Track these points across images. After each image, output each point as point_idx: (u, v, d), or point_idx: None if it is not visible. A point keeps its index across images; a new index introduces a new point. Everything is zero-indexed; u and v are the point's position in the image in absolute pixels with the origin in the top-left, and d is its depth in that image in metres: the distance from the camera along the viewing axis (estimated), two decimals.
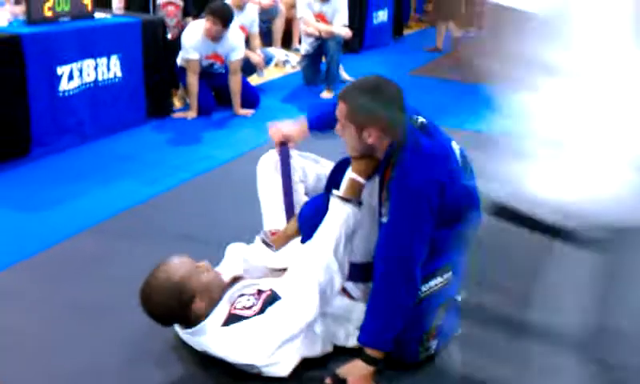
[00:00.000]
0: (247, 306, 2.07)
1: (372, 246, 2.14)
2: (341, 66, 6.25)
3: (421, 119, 2.13)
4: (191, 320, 2.10)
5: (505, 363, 2.24)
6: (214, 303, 2.11)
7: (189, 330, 2.12)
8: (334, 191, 2.17)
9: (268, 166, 2.59)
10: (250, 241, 2.53)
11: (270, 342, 2.03)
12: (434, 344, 2.19)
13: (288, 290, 2.08)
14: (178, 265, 2.12)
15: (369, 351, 2.04)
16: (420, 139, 2.05)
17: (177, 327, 2.20)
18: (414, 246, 2.00)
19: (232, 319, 2.06)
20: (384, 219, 2.04)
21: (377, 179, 2.14)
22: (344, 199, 2.12)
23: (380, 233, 2.06)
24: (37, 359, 2.17)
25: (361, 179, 2.13)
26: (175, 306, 2.06)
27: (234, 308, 2.08)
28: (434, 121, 2.19)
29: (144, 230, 3.06)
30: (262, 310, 2.04)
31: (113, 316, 2.38)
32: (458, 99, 6.13)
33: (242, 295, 2.12)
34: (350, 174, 2.15)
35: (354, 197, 2.13)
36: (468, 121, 5.38)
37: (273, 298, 2.07)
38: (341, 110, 2.07)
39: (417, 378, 2.14)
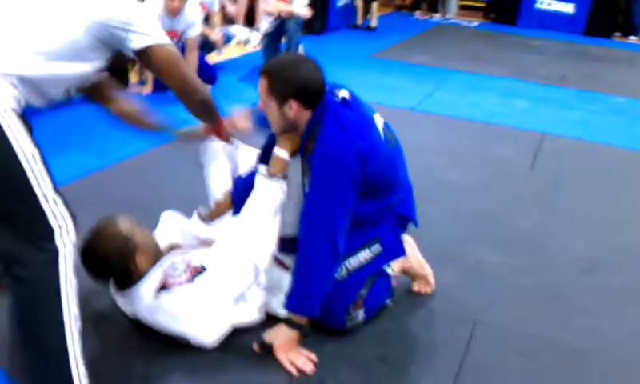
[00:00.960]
0: (176, 275, 2.11)
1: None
2: (301, 47, 6.26)
3: (342, 93, 2.15)
4: (130, 276, 2.12)
5: (430, 332, 2.33)
6: (150, 265, 2.14)
7: (123, 292, 2.15)
8: (260, 167, 2.21)
9: (213, 151, 2.61)
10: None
11: (198, 311, 2.06)
12: (360, 314, 2.24)
13: (217, 261, 2.12)
14: (122, 220, 2.17)
15: (293, 317, 2.09)
16: (339, 111, 2.08)
17: (112, 291, 2.22)
18: (335, 214, 2.04)
19: (163, 288, 2.09)
20: (306, 189, 2.10)
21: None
22: (269, 175, 2.16)
23: (302, 203, 2.11)
24: None
25: (285, 155, 2.17)
26: (118, 257, 2.09)
27: (166, 277, 2.11)
28: (356, 95, 2.21)
29: (92, 199, 3.04)
30: (190, 280, 2.08)
31: None
32: (416, 82, 6.23)
33: (173, 265, 2.14)
34: (275, 150, 2.19)
35: (280, 173, 2.17)
36: (423, 103, 5.46)
37: (202, 269, 2.11)
38: (262, 84, 2.08)
39: (341, 344, 2.19)
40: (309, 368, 2.06)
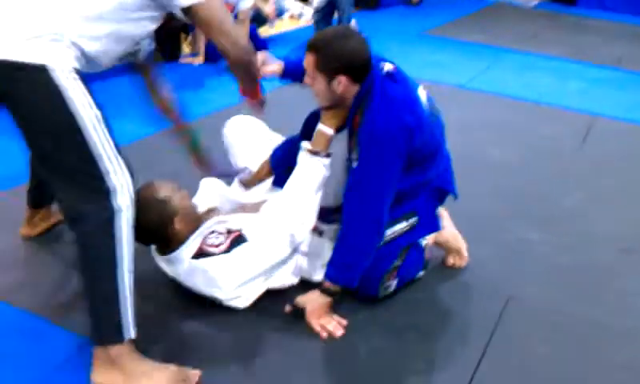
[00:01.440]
0: (216, 243, 2.16)
1: (343, 191, 2.22)
2: (353, 21, 6.27)
3: (387, 66, 2.16)
4: (169, 241, 2.19)
5: (462, 304, 2.36)
6: (190, 230, 2.20)
7: (165, 257, 2.23)
8: (304, 144, 2.23)
9: (240, 127, 2.74)
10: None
11: (234, 280, 2.13)
12: (393, 283, 2.29)
13: (257, 232, 2.18)
14: (162, 185, 2.22)
15: (329, 284, 2.15)
16: (387, 86, 2.10)
17: (154, 253, 2.31)
18: (382, 189, 2.08)
19: (200, 254, 2.16)
20: (354, 164, 2.12)
21: (347, 128, 2.21)
22: (313, 152, 2.20)
23: (349, 176, 2.14)
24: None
25: (330, 131, 2.19)
26: (157, 223, 2.15)
27: (204, 243, 2.17)
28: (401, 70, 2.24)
29: (138, 165, 3.17)
30: (228, 249, 2.14)
31: None
32: (468, 60, 6.17)
33: (213, 232, 2.21)
34: (319, 126, 2.21)
35: (324, 149, 2.20)
36: (474, 81, 5.42)
37: (240, 238, 2.16)
38: (309, 60, 2.09)
39: (373, 311, 2.25)
40: (339, 333, 2.12)
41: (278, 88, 2.85)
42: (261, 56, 2.34)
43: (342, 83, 2.08)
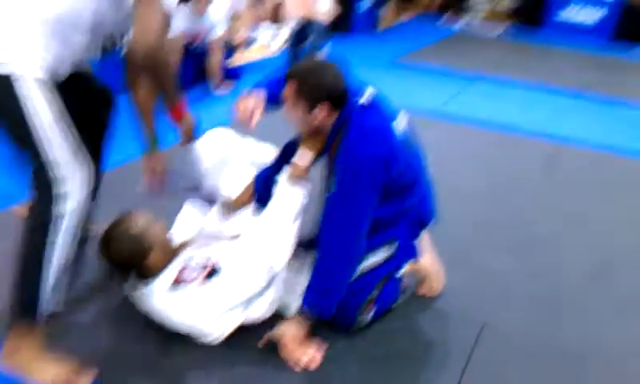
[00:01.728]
0: (192, 276, 2.17)
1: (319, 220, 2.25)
2: (325, 49, 6.34)
3: (367, 94, 2.20)
4: (144, 273, 2.19)
5: (438, 331, 2.39)
6: (165, 263, 2.21)
7: (138, 289, 2.22)
8: (284, 171, 2.26)
9: (214, 145, 2.67)
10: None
11: (210, 312, 2.13)
12: (370, 313, 2.31)
13: (233, 264, 2.18)
14: (138, 217, 2.24)
15: (304, 315, 2.16)
16: (364, 115, 2.13)
17: (126, 288, 2.29)
18: (357, 217, 2.11)
19: (176, 285, 2.16)
20: (330, 191, 2.14)
21: (325, 156, 2.23)
22: (292, 180, 2.22)
23: (325, 205, 2.17)
24: None
25: (309, 159, 2.22)
26: (133, 253, 2.16)
27: (180, 276, 2.17)
28: (381, 97, 2.27)
29: (119, 190, 3.15)
30: (204, 281, 2.14)
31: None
32: (436, 88, 6.27)
33: (189, 264, 2.21)
34: (298, 154, 2.24)
35: (302, 177, 2.22)
36: (443, 108, 5.51)
37: (216, 269, 2.17)
38: (290, 89, 2.12)
39: (350, 341, 2.26)
40: (314, 364, 2.12)
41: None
42: (250, 101, 2.29)
43: (321, 112, 2.11)
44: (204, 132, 2.61)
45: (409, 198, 2.29)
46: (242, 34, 5.96)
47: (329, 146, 2.18)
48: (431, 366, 2.21)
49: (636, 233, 3.41)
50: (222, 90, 5.30)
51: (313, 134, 2.20)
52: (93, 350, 2.12)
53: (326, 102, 2.10)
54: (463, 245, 3.03)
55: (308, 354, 2.14)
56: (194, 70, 5.31)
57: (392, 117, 2.24)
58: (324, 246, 2.14)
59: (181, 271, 2.18)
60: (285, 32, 6.32)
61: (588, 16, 10.36)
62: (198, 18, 4.99)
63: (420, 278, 2.59)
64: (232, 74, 5.51)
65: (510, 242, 3.16)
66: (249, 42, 6.37)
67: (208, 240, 2.43)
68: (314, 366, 2.12)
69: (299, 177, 2.21)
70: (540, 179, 4.11)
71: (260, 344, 2.17)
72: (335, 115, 2.14)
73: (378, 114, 2.17)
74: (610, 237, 3.33)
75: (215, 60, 5.18)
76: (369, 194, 2.10)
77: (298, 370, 2.10)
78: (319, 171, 2.29)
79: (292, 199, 2.20)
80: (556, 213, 3.57)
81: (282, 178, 2.24)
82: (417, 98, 5.54)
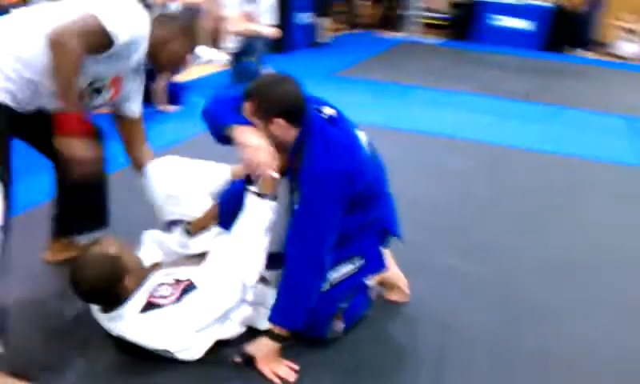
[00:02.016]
0: (165, 295, 2.14)
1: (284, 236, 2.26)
2: (268, 66, 6.37)
3: (328, 110, 2.22)
4: (118, 299, 2.15)
5: (407, 338, 2.42)
6: (137, 286, 2.18)
7: (108, 315, 2.18)
8: (250, 187, 2.24)
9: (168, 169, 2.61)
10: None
11: (186, 330, 2.12)
12: (341, 325, 2.33)
13: (206, 280, 2.17)
14: (109, 243, 2.19)
15: (276, 330, 2.16)
16: (326, 129, 2.15)
17: (95, 311, 2.25)
18: (323, 231, 2.12)
19: (149, 307, 2.13)
20: (295, 206, 2.15)
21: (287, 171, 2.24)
22: (260, 194, 2.21)
23: (291, 219, 2.18)
24: None
25: (275, 174, 2.21)
26: (106, 281, 2.11)
27: (153, 296, 2.15)
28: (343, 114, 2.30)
29: None
30: (178, 299, 2.13)
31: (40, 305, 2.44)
32: (378, 99, 6.37)
33: (161, 284, 2.18)
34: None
35: (271, 192, 2.21)
36: (386, 119, 5.60)
37: (190, 287, 2.15)
38: (247, 107, 2.12)
39: (321, 353, 2.27)
40: (291, 378, 2.13)
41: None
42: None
43: (280, 126, 2.11)
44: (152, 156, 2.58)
45: (372, 210, 2.32)
46: None
47: (291, 160, 2.19)
48: (404, 373, 2.24)
49: (586, 231, 3.55)
50: (169, 107, 5.26)
51: (277, 149, 2.21)
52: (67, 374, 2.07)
53: (280, 117, 2.10)
54: (420, 251, 3.08)
55: (283, 368, 2.14)
56: None
57: (354, 130, 2.27)
58: (290, 260, 2.14)
59: (152, 293, 2.16)
60: (229, 47, 6.29)
61: (520, 24, 10.74)
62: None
63: (387, 287, 2.63)
64: (177, 92, 5.47)
65: (466, 245, 3.24)
66: (193, 59, 6.32)
67: (176, 260, 2.41)
68: (291, 379, 2.12)
69: (268, 191, 2.22)
70: (488, 182, 4.23)
71: (236, 360, 2.17)
72: (295, 130, 2.14)
73: (342, 128, 2.19)
74: (561, 236, 3.45)
75: (160, 78, 5.13)
76: (334, 208, 2.11)
77: (277, 382, 2.10)
78: (284, 188, 2.30)
79: (262, 213, 2.20)
80: (504, 214, 3.68)
81: (251, 193, 2.23)
82: (358, 110, 5.60)
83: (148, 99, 5.21)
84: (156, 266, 2.34)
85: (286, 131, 2.13)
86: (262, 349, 2.16)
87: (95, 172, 2.36)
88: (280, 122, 2.10)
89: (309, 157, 2.11)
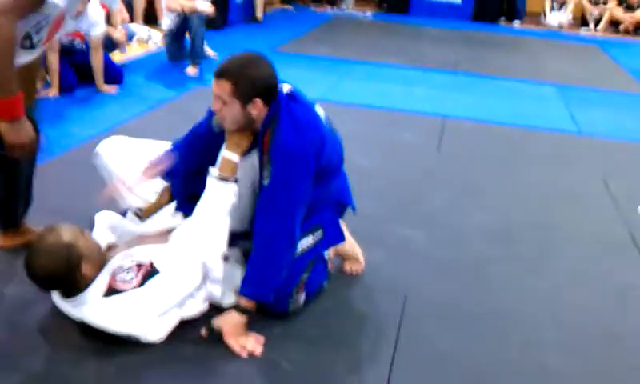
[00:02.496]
0: (127, 279, 2.13)
1: (248, 214, 2.30)
2: (205, 42, 6.30)
3: (287, 87, 2.25)
4: (77, 286, 2.13)
5: (366, 307, 2.49)
6: (97, 270, 2.15)
7: (70, 300, 2.16)
8: (211, 170, 2.25)
9: (116, 152, 2.58)
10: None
11: (149, 314, 2.12)
12: (302, 296, 2.37)
13: (168, 263, 2.17)
14: (65, 229, 2.15)
15: (243, 302, 2.19)
16: (291, 106, 2.19)
17: (55, 297, 2.22)
18: (295, 204, 2.17)
19: (111, 292, 2.12)
20: (265, 181, 2.18)
21: (255, 149, 2.25)
22: (221, 178, 2.22)
23: (262, 194, 2.20)
24: None
25: (236, 157, 2.23)
26: (63, 269, 2.08)
27: (114, 280, 2.13)
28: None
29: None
30: (141, 284, 2.12)
31: None
32: (319, 73, 6.40)
33: (122, 268, 2.17)
34: (225, 152, 2.25)
35: (231, 175, 2.23)
36: (328, 93, 5.64)
37: (152, 271, 2.15)
38: (223, 86, 2.12)
39: (285, 326, 2.32)
40: (258, 350, 2.17)
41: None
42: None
43: (257, 106, 2.14)
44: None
45: (331, 184, 2.37)
46: (121, 30, 5.80)
47: (261, 138, 2.21)
48: (366, 340, 2.30)
49: (522, 199, 3.69)
50: (109, 88, 5.16)
51: (244, 128, 2.22)
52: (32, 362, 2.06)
53: (259, 97, 2.13)
54: (373, 222, 3.14)
55: (251, 340, 2.18)
56: (78, 69, 5.14)
57: (313, 105, 2.31)
58: (261, 234, 2.17)
59: (113, 277, 2.14)
60: (165, 24, 6.20)
61: None
62: (77, 18, 4.80)
63: (343, 258, 2.69)
64: (116, 72, 5.36)
65: (415, 214, 3.33)
66: (129, 38, 6.22)
67: (132, 240, 2.40)
68: (258, 351, 2.16)
69: (229, 174, 2.23)
70: (431, 153, 4.34)
71: (203, 334, 2.18)
72: (267, 109, 2.17)
73: (303, 104, 2.24)
74: (501, 204, 3.59)
75: (97, 58, 5.02)
76: (304, 182, 2.17)
77: (244, 355, 2.14)
78: (245, 167, 2.30)
79: (223, 195, 2.22)
80: (450, 183, 3.80)
81: (212, 176, 2.24)
82: (299, 86, 5.62)
83: (87, 79, 5.12)
84: (112, 248, 2.33)
85: (261, 111, 2.16)
86: (229, 322, 2.18)
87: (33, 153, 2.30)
88: (258, 102, 2.13)
89: (278, 134, 2.14)
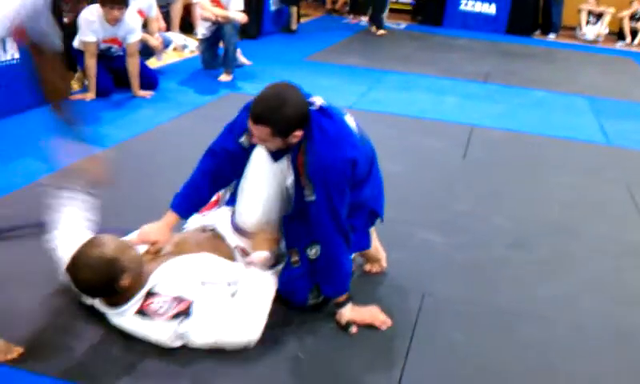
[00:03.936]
0: (158, 310, 2.18)
1: (274, 217, 2.50)
2: (239, 51, 6.44)
3: (317, 100, 2.32)
4: (117, 296, 2.19)
5: (384, 304, 2.56)
6: (136, 282, 2.21)
7: (109, 309, 2.24)
8: (247, 261, 2.40)
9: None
10: (155, 215, 2.58)
11: (168, 343, 2.17)
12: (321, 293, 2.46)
13: (204, 315, 2.18)
14: (110, 241, 2.20)
15: (340, 298, 2.40)
16: (322, 122, 2.27)
17: (98, 304, 2.29)
18: (340, 214, 2.29)
19: (142, 313, 2.18)
20: (308, 199, 2.28)
21: (287, 156, 2.36)
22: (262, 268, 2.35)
23: (310, 210, 2.29)
24: None
25: (265, 254, 2.41)
26: (104, 281, 2.14)
27: (147, 303, 2.19)
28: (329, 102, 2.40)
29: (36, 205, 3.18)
30: (170, 319, 2.16)
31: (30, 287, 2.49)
32: (350, 82, 6.49)
33: (160, 299, 2.19)
34: (257, 255, 2.39)
35: (268, 266, 2.39)
36: (359, 102, 5.72)
37: (186, 312, 2.18)
38: (262, 131, 2.21)
39: (304, 318, 2.42)
40: (382, 315, 2.43)
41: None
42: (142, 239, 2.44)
43: (295, 136, 2.24)
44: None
45: (363, 191, 2.45)
46: (157, 38, 5.96)
47: (295, 157, 2.31)
48: (383, 334, 2.37)
49: (545, 205, 3.72)
50: (144, 93, 5.32)
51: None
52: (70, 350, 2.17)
53: (297, 130, 2.23)
54: (397, 224, 3.19)
55: (373, 312, 2.43)
56: (115, 74, 5.31)
57: (343, 116, 2.39)
58: (322, 244, 2.34)
59: (147, 300, 2.20)
60: (200, 32, 6.34)
61: (485, 8, 10.93)
62: (114, 25, 4.98)
63: (366, 259, 2.77)
64: (151, 78, 5.52)
65: (437, 219, 3.39)
66: (165, 45, 6.39)
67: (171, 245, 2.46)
68: (389, 321, 2.41)
69: (266, 266, 2.35)
70: (456, 160, 4.39)
71: (353, 329, 2.38)
72: (302, 131, 2.26)
73: (334, 118, 2.31)
74: (523, 210, 3.62)
75: (134, 63, 5.18)
76: (345, 192, 2.29)
77: (386, 326, 2.40)
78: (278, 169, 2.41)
79: (266, 286, 2.34)
80: (474, 190, 3.84)
81: (252, 269, 2.36)
82: (331, 94, 5.72)
83: (123, 84, 5.28)
84: (155, 255, 2.39)
85: (299, 136, 2.25)
86: (352, 313, 2.39)
87: None
88: (297, 133, 2.23)
89: (312, 153, 2.24)
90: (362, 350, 2.28)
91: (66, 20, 5.25)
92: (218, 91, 5.75)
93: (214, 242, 2.52)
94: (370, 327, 2.39)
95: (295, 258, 2.42)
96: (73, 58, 5.23)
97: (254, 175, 2.47)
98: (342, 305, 2.40)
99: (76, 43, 5.09)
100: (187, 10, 8.02)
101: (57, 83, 2.54)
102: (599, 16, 10.93)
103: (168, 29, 7.30)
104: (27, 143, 4.03)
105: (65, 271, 2.21)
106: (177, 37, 7.28)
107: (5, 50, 4.45)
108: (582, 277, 2.93)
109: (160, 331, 2.16)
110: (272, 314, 2.31)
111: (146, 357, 2.14)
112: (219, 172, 2.48)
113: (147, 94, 5.33)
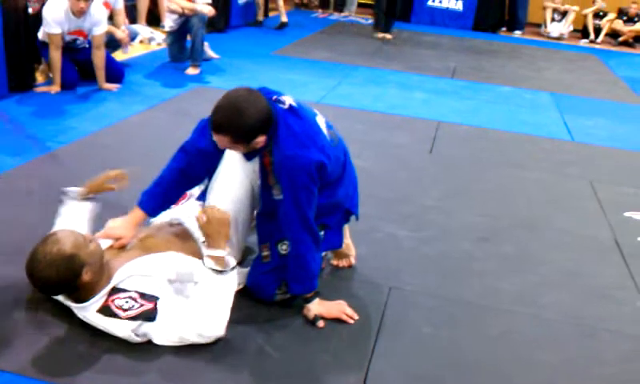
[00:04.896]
0: (124, 307, 2.14)
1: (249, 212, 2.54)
2: (206, 44, 6.39)
3: (287, 99, 2.31)
4: (78, 291, 2.16)
5: (351, 298, 2.58)
6: (98, 278, 2.18)
7: (72, 304, 2.21)
8: (206, 263, 2.28)
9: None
10: (121, 208, 2.60)
11: (131, 339, 2.15)
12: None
13: (168, 318, 2.14)
14: (68, 237, 2.14)
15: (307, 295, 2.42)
16: (289, 121, 2.26)
17: (62, 298, 2.26)
18: (308, 211, 2.29)
19: (106, 310, 2.14)
20: (276, 197, 2.30)
21: (256, 162, 2.36)
22: (219, 272, 2.26)
23: (280, 208, 2.31)
24: None
25: (222, 252, 2.29)
26: (65, 278, 2.10)
27: (112, 300, 2.15)
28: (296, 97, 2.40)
29: (9, 195, 3.12)
30: (134, 319, 2.12)
31: None
32: (318, 77, 6.49)
33: (124, 291, 2.17)
34: (211, 252, 2.29)
35: (225, 267, 2.28)
36: (327, 96, 5.73)
37: (151, 314, 2.14)
38: (223, 140, 2.20)
39: (271, 313, 2.43)
40: (349, 310, 2.45)
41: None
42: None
43: (259, 140, 2.22)
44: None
45: (337, 191, 2.47)
46: (124, 30, 5.89)
47: (261, 157, 2.32)
48: (351, 328, 2.39)
49: (510, 200, 3.77)
50: (110, 86, 5.25)
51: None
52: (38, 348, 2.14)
53: (259, 135, 2.20)
54: (363, 219, 3.20)
55: (340, 306, 2.45)
56: (80, 67, 5.25)
57: (313, 116, 2.38)
58: (290, 241, 2.35)
59: (112, 295, 2.16)
60: (167, 25, 6.29)
61: (451, 5, 11.03)
62: (80, 17, 4.91)
63: (336, 254, 2.79)
64: (117, 71, 5.45)
65: (403, 213, 3.42)
66: (132, 38, 6.32)
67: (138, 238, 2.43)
68: (348, 311, 2.43)
69: (224, 267, 2.28)
70: (423, 155, 4.42)
71: (320, 324, 2.38)
72: (267, 135, 2.24)
73: (302, 118, 2.30)
74: (488, 205, 3.67)
75: (99, 56, 5.12)
76: (311, 192, 2.28)
77: (353, 320, 2.42)
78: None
79: (226, 283, 2.27)
80: (440, 185, 3.88)
81: (210, 272, 2.27)
82: (299, 89, 5.72)
83: (88, 77, 5.21)
84: (120, 250, 2.37)
85: (264, 139, 2.24)
86: (319, 308, 2.41)
87: None
88: (259, 139, 2.22)
89: (278, 153, 2.24)
90: (329, 344, 2.29)
91: (30, 11, 5.14)
92: (185, 84, 5.71)
93: (181, 236, 2.50)
94: (337, 321, 2.40)
95: (266, 253, 2.43)
96: (37, 50, 5.14)
97: (226, 174, 2.47)
98: (309, 300, 2.41)
99: (40, 35, 5.01)
100: (154, 2, 7.94)
101: None
102: (564, 14, 11.11)
103: (135, 21, 7.22)
104: None
105: (25, 271, 2.13)
106: (143, 29, 7.20)
107: None
108: (545, 270, 2.98)
109: (123, 329, 2.14)
110: (240, 309, 2.32)
111: (112, 352, 2.13)
112: (190, 170, 2.45)
113: (113, 86, 5.27)
